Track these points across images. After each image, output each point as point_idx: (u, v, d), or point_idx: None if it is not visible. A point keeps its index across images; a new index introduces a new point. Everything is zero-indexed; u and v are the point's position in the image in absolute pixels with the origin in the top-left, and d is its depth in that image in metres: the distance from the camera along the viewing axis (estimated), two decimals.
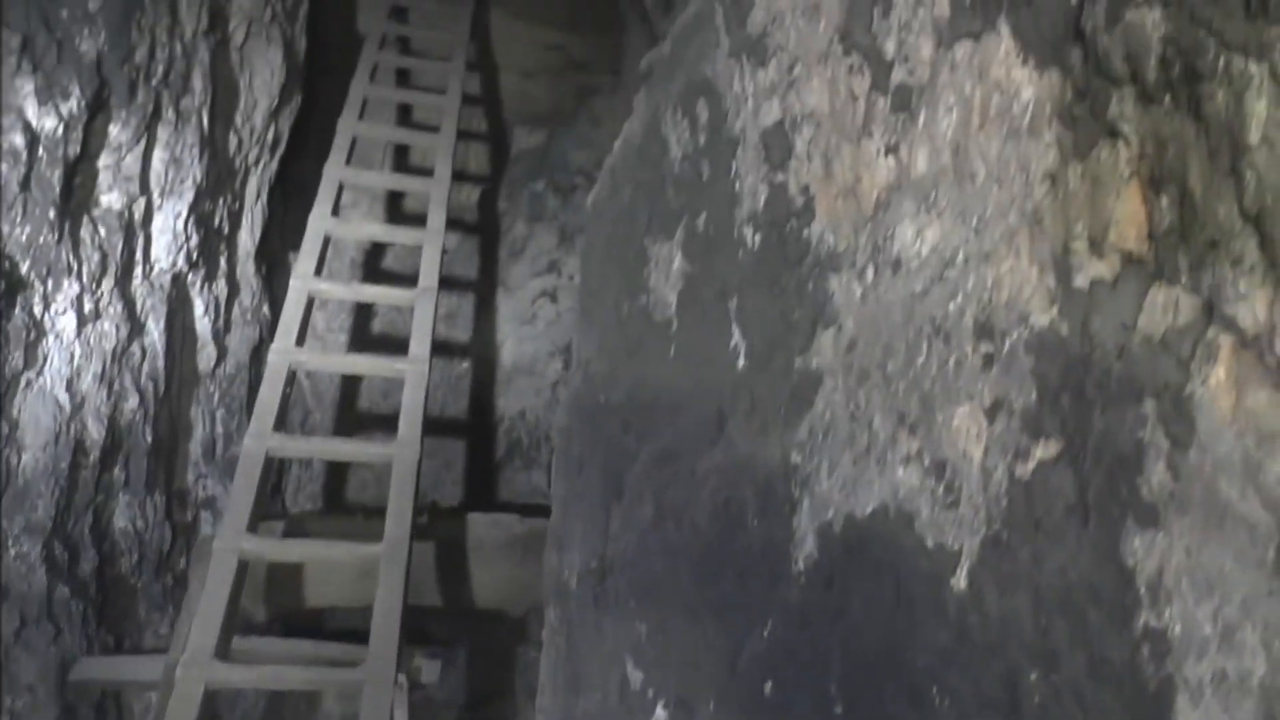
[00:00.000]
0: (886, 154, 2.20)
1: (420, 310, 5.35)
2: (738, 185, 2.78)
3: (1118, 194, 1.57)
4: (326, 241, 5.53)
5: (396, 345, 6.00)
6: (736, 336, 2.71)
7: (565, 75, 8.02)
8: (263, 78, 5.63)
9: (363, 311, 6.80)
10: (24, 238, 4.07)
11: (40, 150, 4.09)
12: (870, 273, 2.21)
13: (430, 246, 5.60)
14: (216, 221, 5.38)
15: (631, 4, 7.13)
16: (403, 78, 7.23)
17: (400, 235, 5.95)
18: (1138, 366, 1.54)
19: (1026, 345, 1.77)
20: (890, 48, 2.17)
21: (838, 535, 2.25)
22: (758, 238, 2.68)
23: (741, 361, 2.68)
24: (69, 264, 4.32)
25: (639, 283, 3.19)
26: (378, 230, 6.21)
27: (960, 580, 1.89)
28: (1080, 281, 1.67)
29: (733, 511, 2.60)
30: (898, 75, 2.16)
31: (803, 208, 2.51)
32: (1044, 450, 1.73)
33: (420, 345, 5.21)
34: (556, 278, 7.36)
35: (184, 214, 4.94)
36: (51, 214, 4.17)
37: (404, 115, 7.30)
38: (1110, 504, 1.57)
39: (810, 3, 2.50)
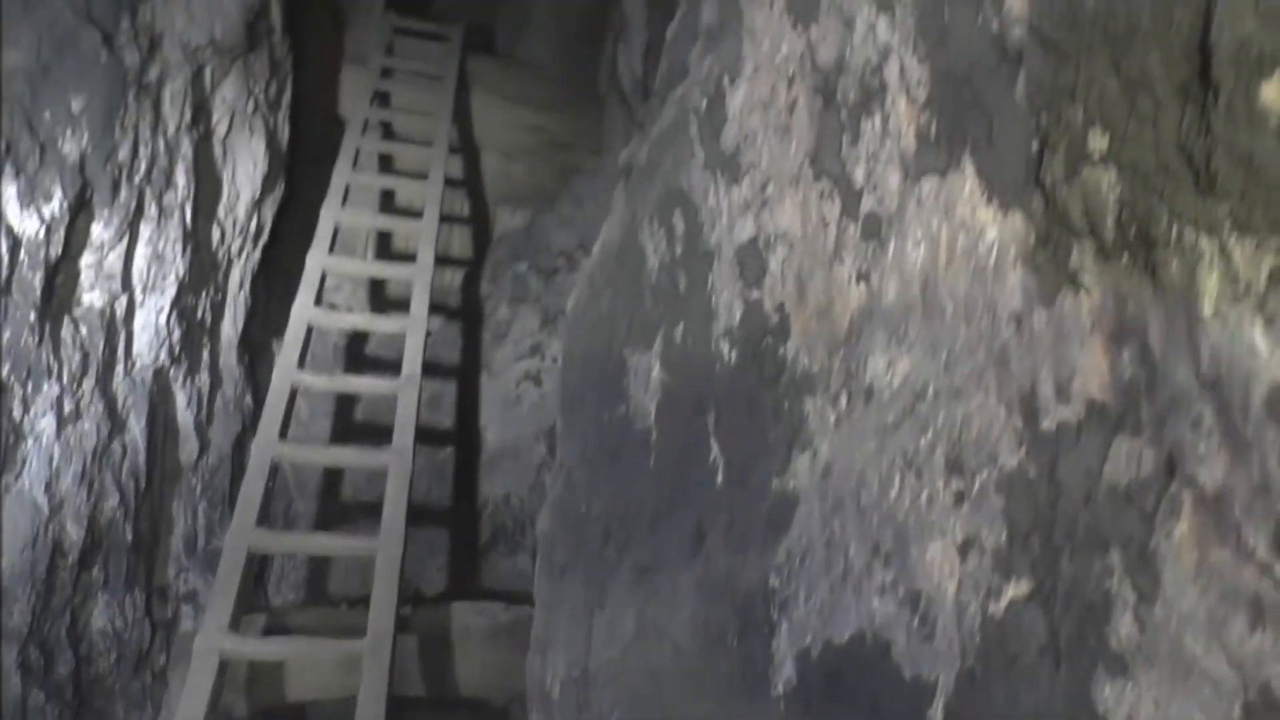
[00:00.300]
0: (858, 280, 2.23)
1: (404, 400, 5.36)
2: (714, 299, 2.81)
3: (1081, 343, 1.60)
4: (310, 331, 5.54)
5: (380, 431, 5.99)
6: (715, 451, 2.72)
7: (547, 155, 8.09)
8: (246, 169, 5.68)
9: (346, 396, 6.80)
10: (4, 341, 4.08)
11: (22, 253, 4.11)
12: (844, 400, 2.22)
13: (413, 335, 5.62)
14: (199, 314, 5.39)
15: (611, 86, 7.22)
16: (385, 163, 7.29)
17: (383, 324, 5.97)
18: (1103, 516, 1.55)
19: (996, 485, 1.78)
20: (859, 175, 2.21)
21: (816, 660, 2.25)
22: (734, 353, 2.70)
23: (720, 477, 2.69)
24: (49, 365, 4.33)
25: (618, 391, 3.21)
26: (361, 320, 6.22)
27: (937, 713, 1.89)
28: (1047, 425, 1.69)
29: (713, 631, 2.60)
30: (867, 203, 2.19)
31: (778, 326, 2.53)
32: (1015, 589, 1.74)
33: (403, 436, 5.21)
34: (540, 360, 7.37)
35: (166, 309, 4.96)
36: (32, 316, 4.18)
37: (387, 199, 7.35)
38: (1081, 650, 1.58)
39: (781, 123, 2.54)
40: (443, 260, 6.82)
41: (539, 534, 3.70)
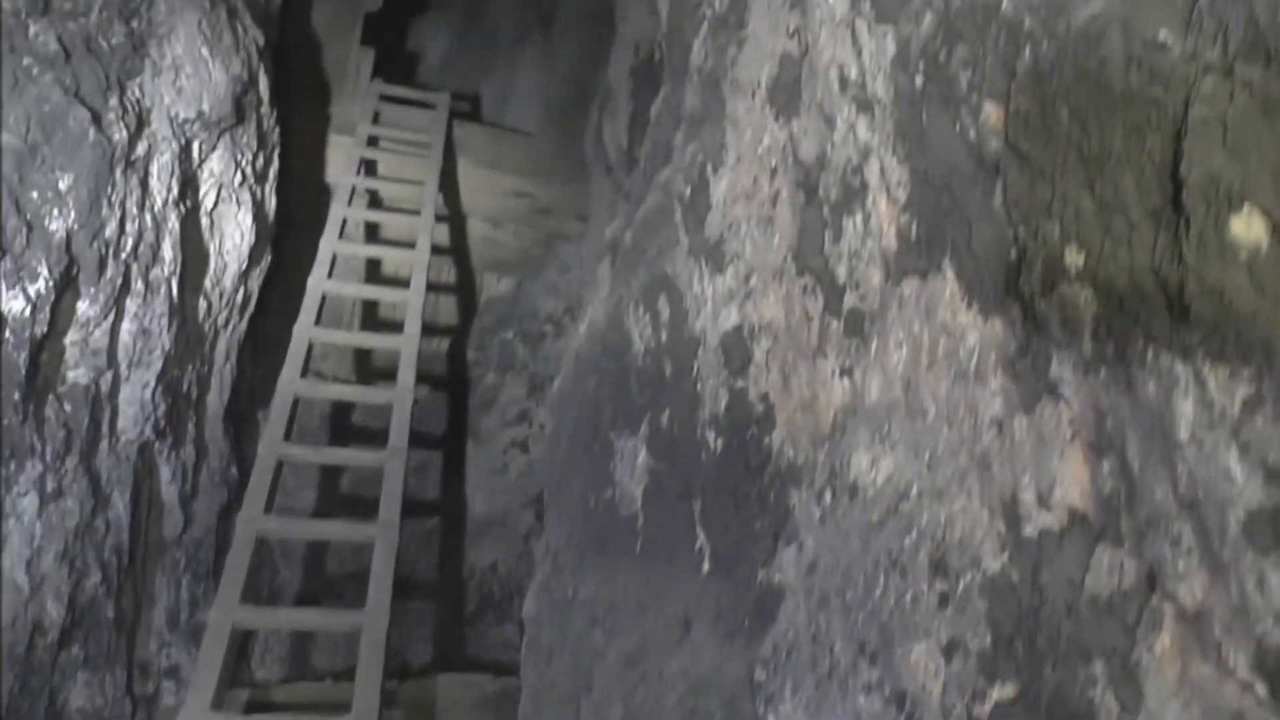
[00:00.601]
0: (841, 375, 2.24)
1: (390, 472, 5.34)
2: (699, 386, 2.82)
3: (1061, 452, 1.61)
4: (296, 403, 5.54)
5: (366, 502, 5.98)
6: (701, 539, 2.72)
7: (533, 222, 8.13)
8: (233, 241, 5.69)
9: (332, 466, 6.79)
10: None
11: (6, 333, 4.11)
12: (829, 495, 2.23)
13: (400, 406, 5.62)
14: (185, 387, 5.39)
15: (596, 154, 7.26)
16: (372, 231, 7.32)
17: (369, 395, 5.98)
18: (1086, 625, 1.56)
19: (980, 588, 1.79)
20: (842, 272, 2.23)
21: None
22: (720, 442, 2.70)
23: (706, 565, 2.69)
24: (32, 444, 4.31)
25: (605, 475, 3.21)
26: (347, 391, 6.22)
27: None
28: (1029, 531, 1.69)
29: None
30: (849, 300, 2.20)
31: (763, 416, 2.54)
32: (1000, 693, 1.74)
33: (390, 509, 5.19)
34: (527, 427, 7.38)
35: (152, 384, 4.95)
36: (16, 396, 4.17)
37: (374, 268, 7.36)
38: None
39: (764, 215, 2.56)
40: (429, 329, 6.83)
41: (525, 617, 3.69)
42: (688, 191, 2.96)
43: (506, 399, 7.56)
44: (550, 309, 7.82)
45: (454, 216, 7.86)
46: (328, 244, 6.43)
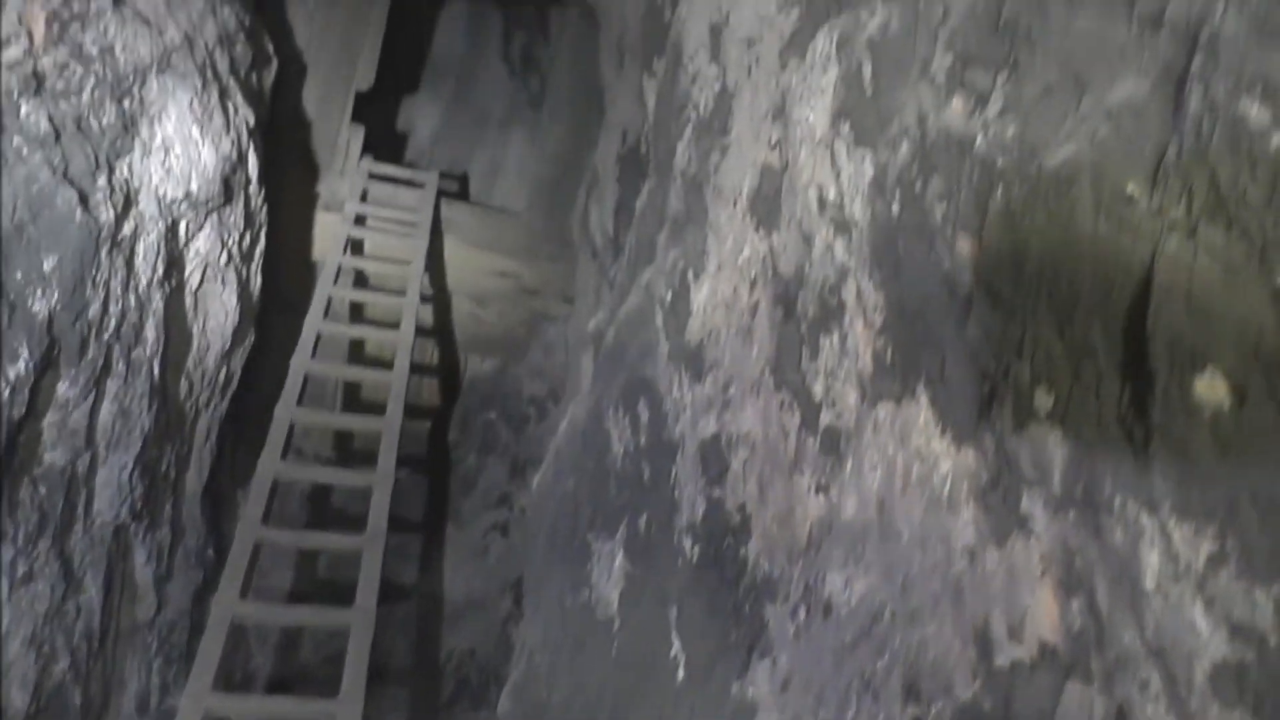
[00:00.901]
0: (817, 492, 2.24)
1: (368, 557, 5.30)
2: (677, 493, 2.81)
3: (1032, 587, 1.61)
4: (275, 485, 5.51)
5: (342, 587, 5.92)
6: (676, 647, 2.70)
7: (518, 302, 8.15)
8: (217, 320, 5.69)
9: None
10: None
11: None
12: (803, 612, 2.22)
13: (380, 490, 5.58)
14: (163, 467, 5.35)
15: (583, 237, 7.30)
16: (357, 311, 7.32)
17: (349, 478, 5.94)
18: None
19: (952, 717, 1.78)
20: (819, 390, 2.23)
21: None
22: (696, 550, 2.69)
23: (681, 673, 2.67)
24: (4, 529, 4.27)
25: (582, 576, 3.20)
26: (326, 474, 6.19)
27: None
28: (1001, 661, 1.69)
29: None
30: (826, 418, 2.21)
31: (739, 526, 2.54)
32: None
33: (367, 595, 5.14)
34: (508, 511, 7.32)
35: (130, 465, 4.92)
36: None
37: (357, 347, 7.36)
38: None
39: (744, 325, 2.58)
40: (412, 410, 6.81)
41: (500, 716, 3.65)
42: (669, 296, 2.97)
43: (488, 481, 7.52)
44: (534, 391, 7.81)
45: (439, 296, 7.88)
46: (312, 324, 6.43)
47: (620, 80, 5.93)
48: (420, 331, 7.13)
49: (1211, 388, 1.17)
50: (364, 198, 7.64)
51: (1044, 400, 1.49)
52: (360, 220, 7.47)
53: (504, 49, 9.66)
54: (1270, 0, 1.07)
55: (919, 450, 1.88)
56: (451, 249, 7.87)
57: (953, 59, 1.71)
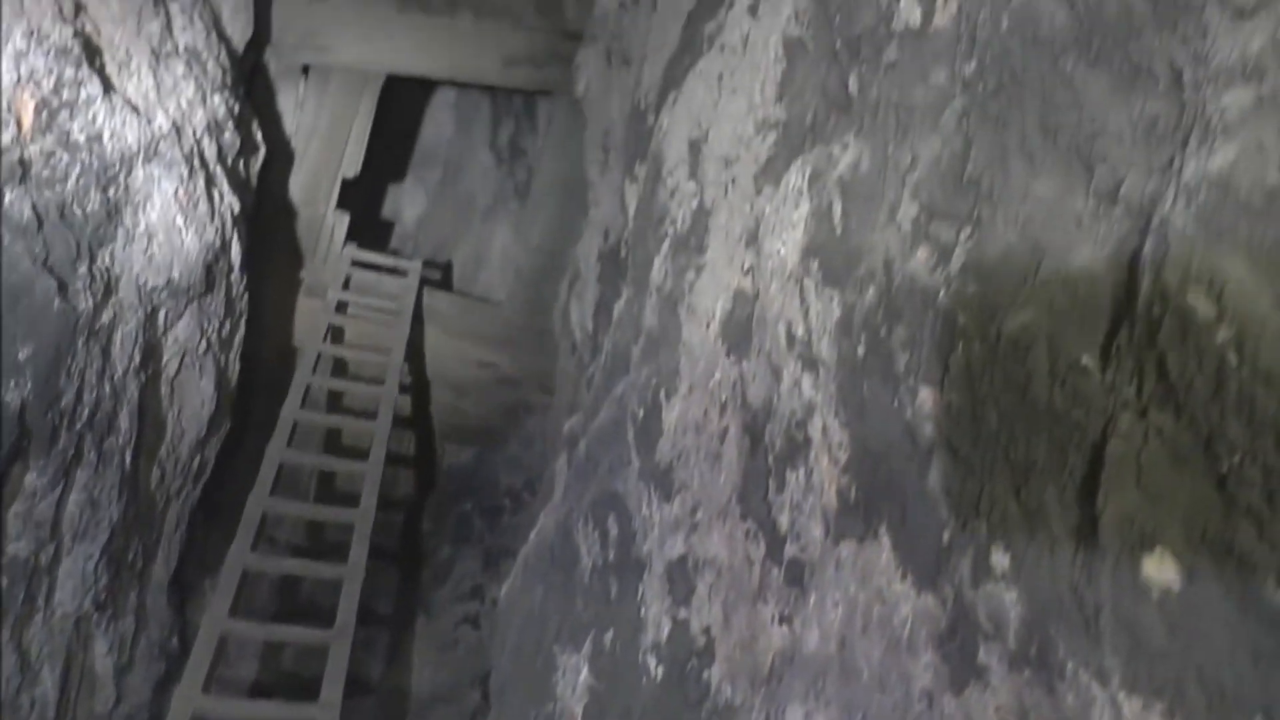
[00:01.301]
0: (780, 622, 2.23)
1: (335, 653, 5.24)
2: (644, 611, 2.80)
3: None
4: (245, 576, 5.46)
5: (307, 680, 5.83)
6: None
7: (497, 392, 8.16)
8: (192, 408, 5.67)
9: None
10: None
11: None
12: None
13: (350, 583, 5.53)
14: (130, 556, 5.29)
15: (564, 331, 7.33)
16: (335, 399, 7.32)
17: (320, 570, 5.88)
18: None
19: None
20: (784, 522, 2.24)
21: None
22: (661, 670, 2.68)
23: None
24: None
25: (547, 689, 3.17)
26: (297, 566, 6.12)
27: None
28: None
29: None
30: (790, 550, 2.21)
31: (703, 649, 2.52)
32: None
33: (332, 690, 5.07)
34: (480, 603, 7.25)
35: (95, 555, 4.86)
36: None
37: (333, 435, 7.35)
38: None
39: (713, 450, 2.58)
40: (386, 503, 6.77)
41: None
42: (641, 413, 2.98)
43: (461, 572, 7.46)
44: (511, 481, 7.79)
45: (418, 384, 7.89)
46: (289, 412, 6.42)
47: (604, 178, 5.99)
48: (398, 421, 7.12)
49: (1160, 567, 1.18)
50: (347, 284, 7.68)
51: (1000, 559, 1.50)
52: (342, 307, 7.49)
53: (491, 138, 9.77)
54: (1218, 198, 1.09)
55: (880, 591, 1.88)
56: (432, 338, 7.89)
57: (918, 209, 1.74)
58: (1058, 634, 1.38)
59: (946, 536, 1.66)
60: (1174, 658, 1.18)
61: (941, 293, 1.63)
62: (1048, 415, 1.38)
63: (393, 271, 8.00)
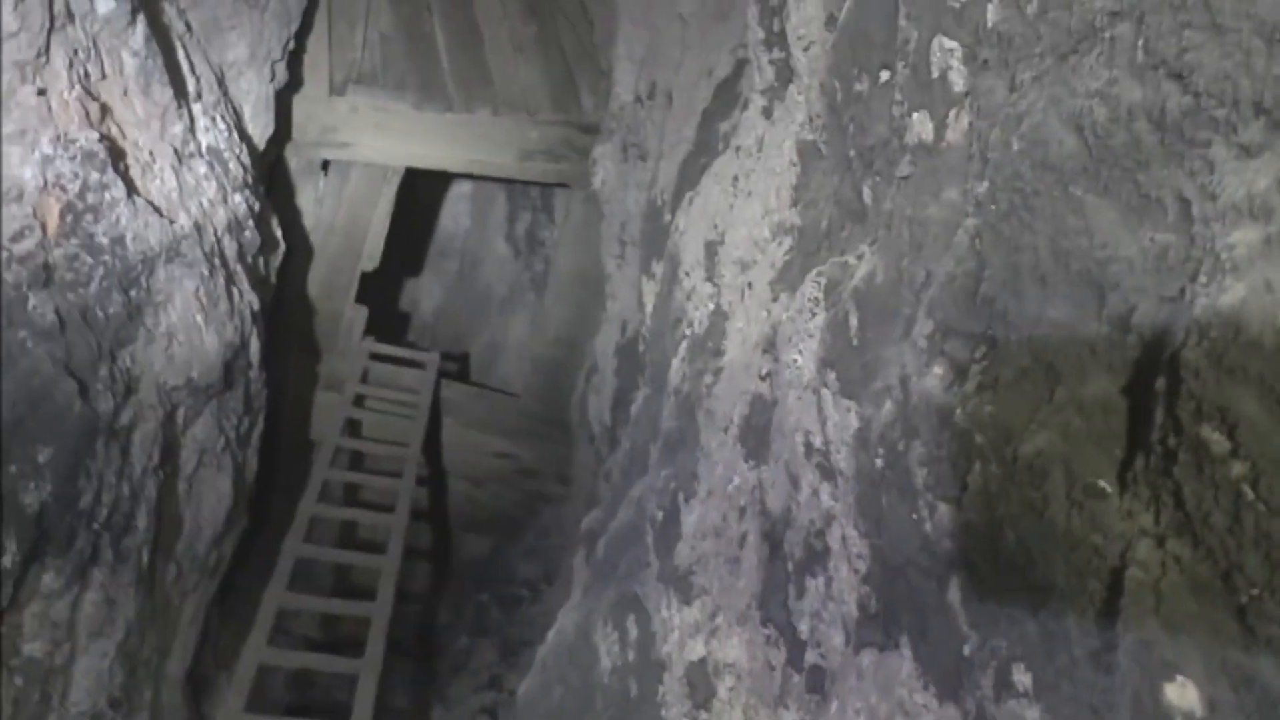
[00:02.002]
0: None
1: None
2: (664, 713, 2.79)
3: None
4: (261, 671, 5.44)
5: None
6: None
7: (514, 482, 8.16)
8: (210, 506, 5.68)
9: None
10: None
11: None
12: None
13: (366, 678, 5.50)
14: (145, 654, 5.28)
15: (581, 423, 7.35)
16: (352, 492, 7.33)
17: (337, 665, 5.86)
18: None
19: None
20: (804, 629, 2.23)
21: None
22: None
23: None
24: None
25: None
26: (313, 660, 6.10)
27: None
28: None
29: None
30: (810, 657, 2.21)
31: None
32: None
33: None
34: (497, 693, 7.19)
35: (111, 653, 4.85)
36: None
37: (350, 528, 7.35)
38: None
39: (732, 555, 2.59)
40: (403, 593, 6.75)
41: None
42: (659, 516, 2.99)
43: (478, 663, 7.42)
44: (527, 573, 7.77)
45: (435, 476, 7.90)
46: (306, 507, 6.43)
47: (621, 272, 6.05)
48: (415, 512, 7.12)
49: (1182, 695, 1.18)
50: (364, 378, 7.72)
51: (1021, 677, 1.50)
52: (360, 401, 7.53)
53: (508, 230, 9.86)
54: (1229, 336, 1.11)
55: (902, 701, 1.87)
56: (449, 430, 7.91)
57: (933, 326, 1.76)
58: None
59: (968, 650, 1.66)
60: None
61: (958, 411, 1.64)
62: (1066, 539, 1.38)
63: (410, 364, 8.04)
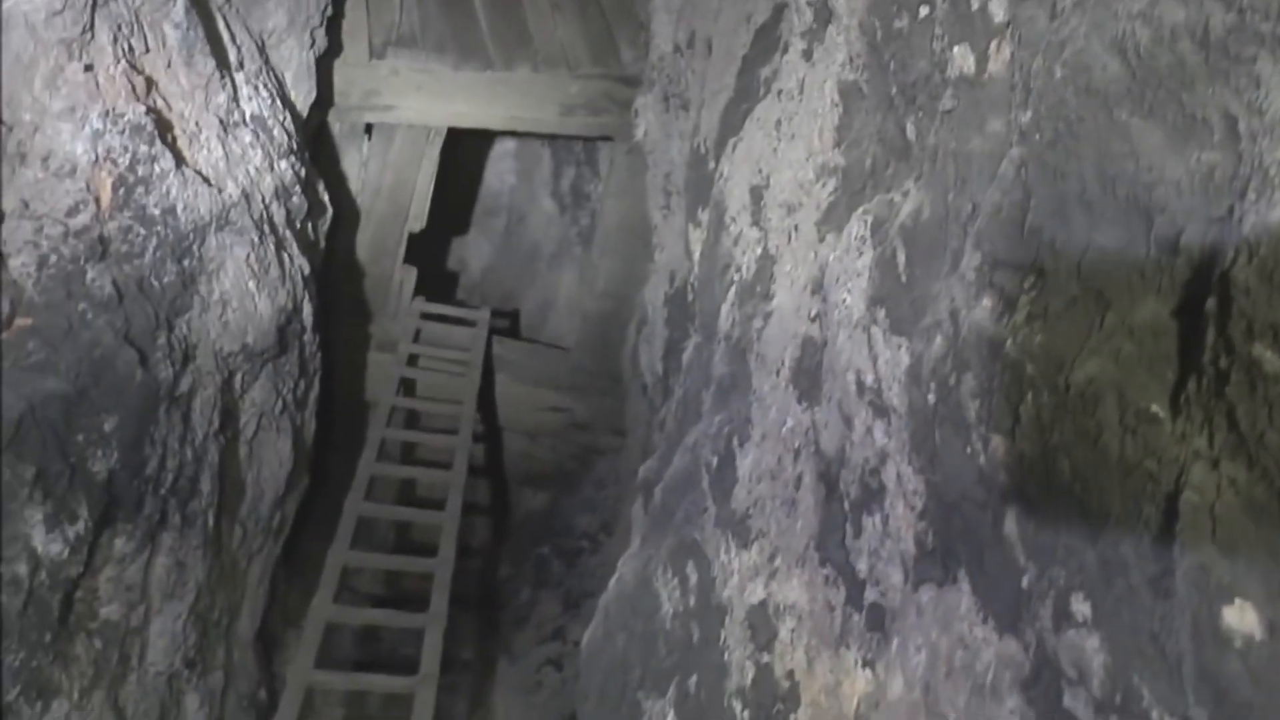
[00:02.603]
0: (864, 666, 2.24)
1: (420, 699, 5.29)
2: (726, 656, 2.82)
3: None
4: (328, 628, 5.53)
5: None
6: None
7: (569, 435, 8.21)
8: (271, 468, 5.78)
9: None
10: (16, 663, 4.07)
11: (42, 574, 4.15)
12: None
13: (432, 632, 5.59)
14: (216, 614, 5.40)
15: (633, 374, 7.37)
16: (409, 450, 7.42)
17: (401, 620, 5.95)
18: None
19: None
20: (863, 568, 2.25)
21: None
22: (746, 715, 2.69)
23: None
24: (60, 683, 4.31)
25: None
26: (379, 615, 6.20)
27: None
28: None
29: None
30: (870, 595, 2.22)
31: (788, 694, 2.53)
32: None
33: None
34: (561, 645, 7.27)
35: (184, 615, 4.96)
36: (48, 636, 4.19)
37: (409, 486, 7.44)
38: None
39: (788, 497, 2.60)
40: (463, 552, 6.83)
41: None
42: (715, 461, 3.01)
43: (541, 615, 7.49)
44: (586, 525, 7.83)
45: (490, 432, 7.96)
46: (365, 467, 6.51)
47: (667, 222, 6.04)
48: (472, 469, 7.18)
49: (1241, 618, 1.19)
50: (416, 337, 7.77)
51: (1080, 606, 1.50)
52: (413, 360, 7.59)
53: (553, 185, 9.86)
54: (1279, 250, 1.11)
55: (962, 636, 1.88)
56: (503, 386, 7.96)
57: (981, 258, 1.76)
58: (1142, 682, 1.38)
59: (1026, 582, 1.66)
60: (1260, 708, 1.18)
61: (1008, 342, 1.65)
62: (1120, 466, 1.39)
63: (461, 322, 8.08)
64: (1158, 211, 1.37)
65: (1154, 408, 1.33)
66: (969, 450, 1.80)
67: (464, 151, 9.00)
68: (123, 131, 4.52)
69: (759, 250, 3.20)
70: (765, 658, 2.65)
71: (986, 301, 1.73)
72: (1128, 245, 1.42)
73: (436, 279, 8.97)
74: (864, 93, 2.68)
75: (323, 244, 6.75)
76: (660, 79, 6.16)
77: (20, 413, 4.05)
